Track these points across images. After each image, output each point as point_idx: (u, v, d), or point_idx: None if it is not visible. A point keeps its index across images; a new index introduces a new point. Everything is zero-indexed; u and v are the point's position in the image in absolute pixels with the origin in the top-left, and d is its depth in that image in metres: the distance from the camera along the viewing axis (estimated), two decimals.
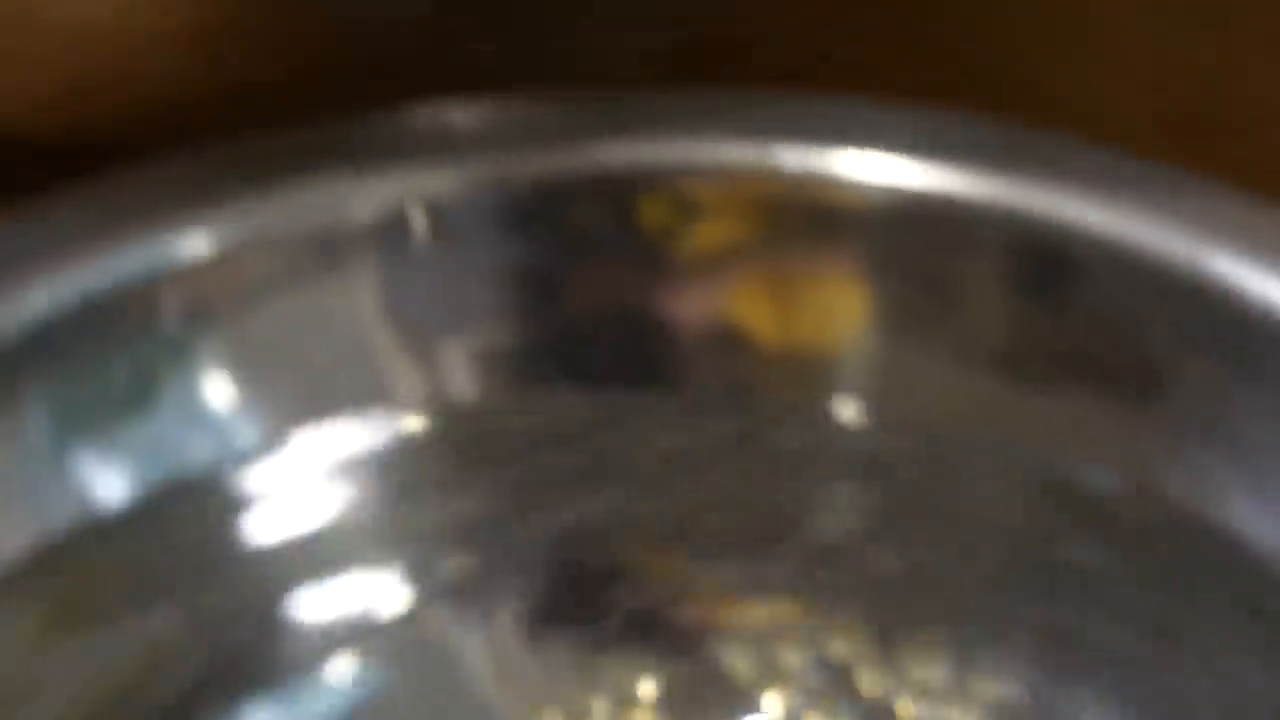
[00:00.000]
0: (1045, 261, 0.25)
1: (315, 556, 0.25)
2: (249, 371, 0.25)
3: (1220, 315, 0.24)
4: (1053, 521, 0.25)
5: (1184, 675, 0.23)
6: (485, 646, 0.25)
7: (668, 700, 0.25)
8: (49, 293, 0.23)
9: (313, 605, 0.25)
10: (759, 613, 0.25)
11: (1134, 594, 0.24)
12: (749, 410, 0.26)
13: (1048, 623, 0.24)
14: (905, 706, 0.24)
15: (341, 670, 0.25)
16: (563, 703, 0.25)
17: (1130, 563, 0.24)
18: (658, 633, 0.25)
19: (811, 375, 0.26)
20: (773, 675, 0.25)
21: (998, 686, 0.24)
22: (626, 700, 0.25)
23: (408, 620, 0.25)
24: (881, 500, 0.25)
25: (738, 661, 0.25)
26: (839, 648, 0.24)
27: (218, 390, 0.25)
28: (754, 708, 0.24)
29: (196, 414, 0.25)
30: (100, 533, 0.24)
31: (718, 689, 0.25)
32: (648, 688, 0.25)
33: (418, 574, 0.25)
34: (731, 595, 0.25)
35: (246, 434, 0.25)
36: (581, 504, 0.26)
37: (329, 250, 0.25)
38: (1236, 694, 0.23)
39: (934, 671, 0.24)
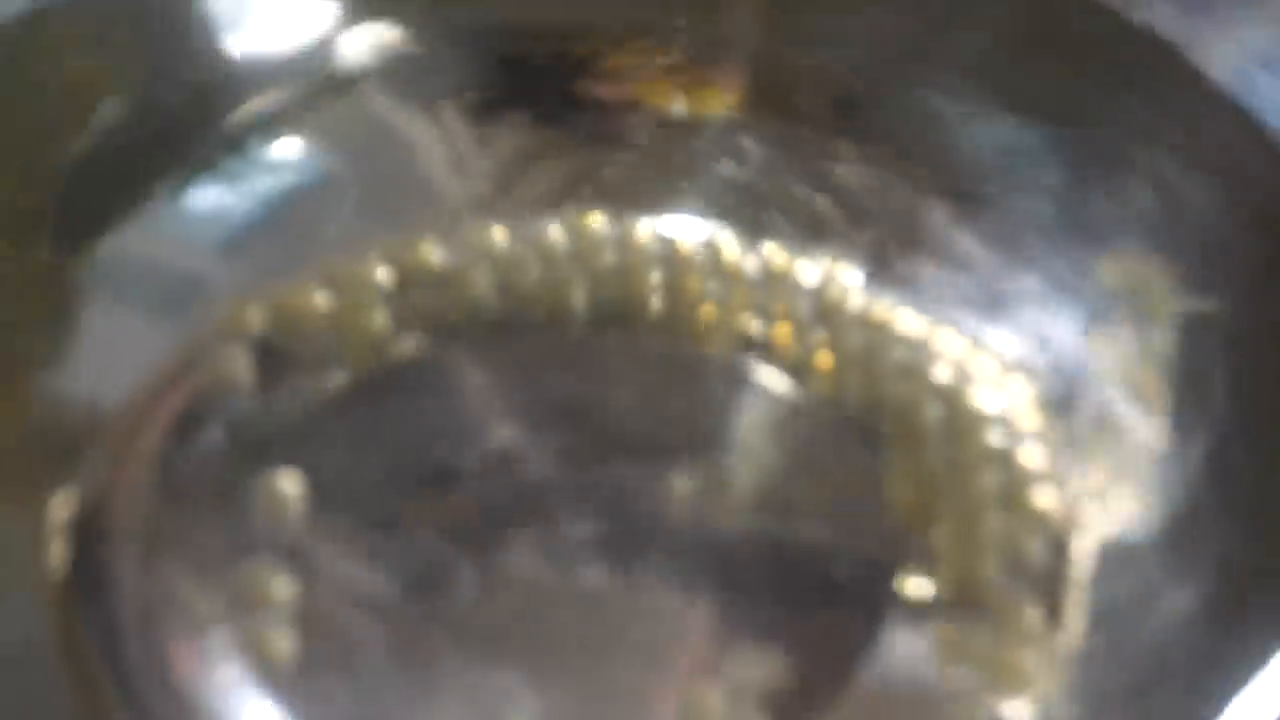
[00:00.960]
0: None
1: (264, 31, 0.28)
2: None
3: None
4: None
5: (1078, 153, 0.28)
6: (433, 133, 0.28)
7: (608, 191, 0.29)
8: None
9: (255, 81, 0.28)
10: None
11: (1031, 73, 0.28)
12: None
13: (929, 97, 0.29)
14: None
15: (287, 151, 0.28)
16: (514, 186, 0.28)
17: (1032, 45, 0.28)
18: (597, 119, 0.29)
19: None
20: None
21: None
22: (575, 180, 0.28)
23: (351, 99, 0.28)
24: None
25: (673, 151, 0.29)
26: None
27: None
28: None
29: None
30: (52, 22, 0.27)
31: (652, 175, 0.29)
32: (595, 177, 0.28)
33: (362, 55, 0.28)
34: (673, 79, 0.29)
35: None
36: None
37: None
38: (1134, 177, 0.27)
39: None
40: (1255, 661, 0.25)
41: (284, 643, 0.26)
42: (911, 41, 0.30)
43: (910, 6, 0.30)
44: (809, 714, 0.25)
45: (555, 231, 0.29)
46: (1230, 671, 0.25)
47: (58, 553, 0.26)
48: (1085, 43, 0.29)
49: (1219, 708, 0.25)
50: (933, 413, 0.28)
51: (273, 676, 0.25)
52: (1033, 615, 0.26)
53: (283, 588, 0.26)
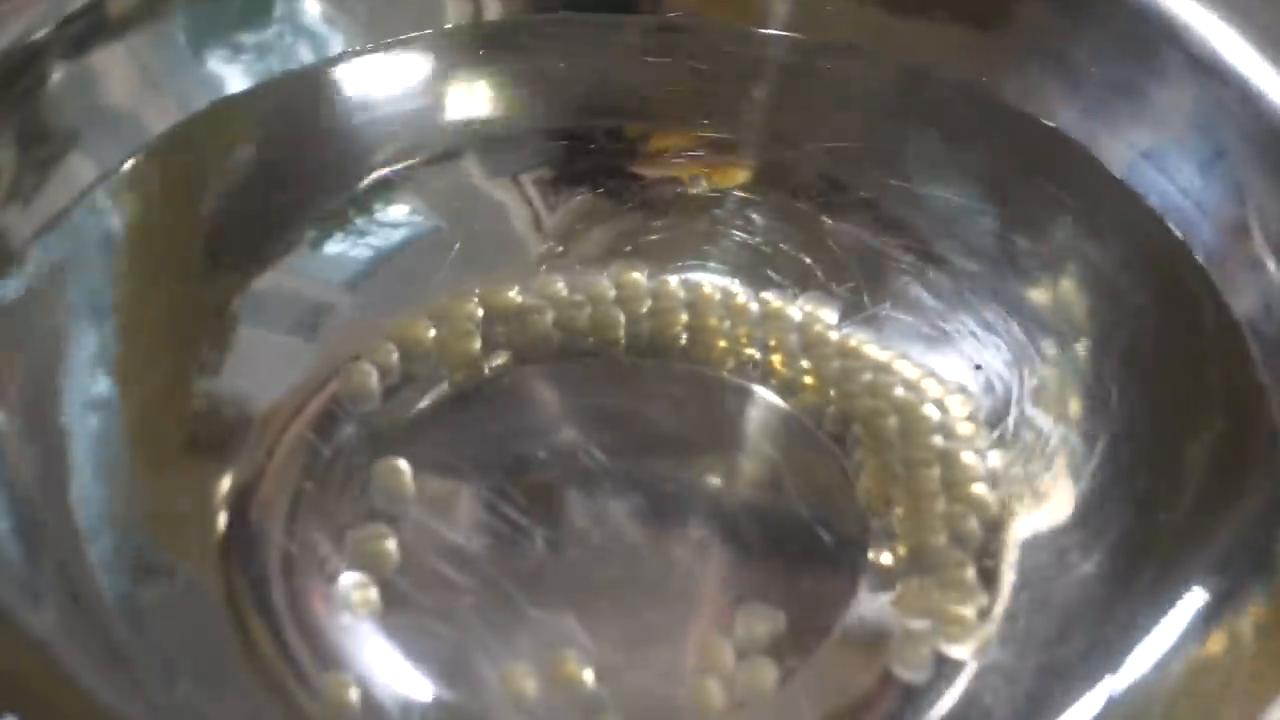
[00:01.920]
0: None
1: (386, 129, 0.34)
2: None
3: None
4: (909, 103, 0.35)
5: (1005, 222, 0.34)
6: (515, 200, 0.35)
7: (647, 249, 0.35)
8: None
9: (379, 163, 0.34)
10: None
11: (968, 161, 0.34)
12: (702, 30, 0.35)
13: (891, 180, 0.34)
14: None
15: (402, 213, 0.34)
16: (577, 243, 0.35)
17: (968, 140, 0.34)
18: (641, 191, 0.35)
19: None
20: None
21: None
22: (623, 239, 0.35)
23: (453, 170, 0.35)
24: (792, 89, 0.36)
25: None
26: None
27: (313, 8, 0.34)
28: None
29: (297, 26, 0.34)
30: (231, 109, 0.33)
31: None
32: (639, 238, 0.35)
33: (462, 135, 0.35)
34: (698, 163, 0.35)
35: (334, 42, 0.34)
36: (586, 96, 0.35)
37: None
38: (1048, 241, 0.33)
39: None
40: (1145, 617, 0.29)
41: (395, 590, 0.31)
42: (878, 138, 0.35)
43: (876, 112, 0.35)
44: (801, 654, 0.30)
45: (605, 280, 0.35)
46: (1124, 624, 0.29)
47: (220, 520, 0.31)
48: (1011, 138, 0.34)
49: (1116, 651, 0.29)
50: (892, 422, 0.33)
51: (385, 617, 0.30)
52: (972, 578, 0.31)
53: (394, 547, 0.31)
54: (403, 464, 0.33)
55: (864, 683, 0.30)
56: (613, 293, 0.35)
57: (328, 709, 0.29)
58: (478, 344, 0.34)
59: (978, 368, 0.34)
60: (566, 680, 0.30)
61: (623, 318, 0.35)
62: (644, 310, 0.35)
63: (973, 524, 0.32)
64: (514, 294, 0.35)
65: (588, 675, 0.30)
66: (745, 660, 0.30)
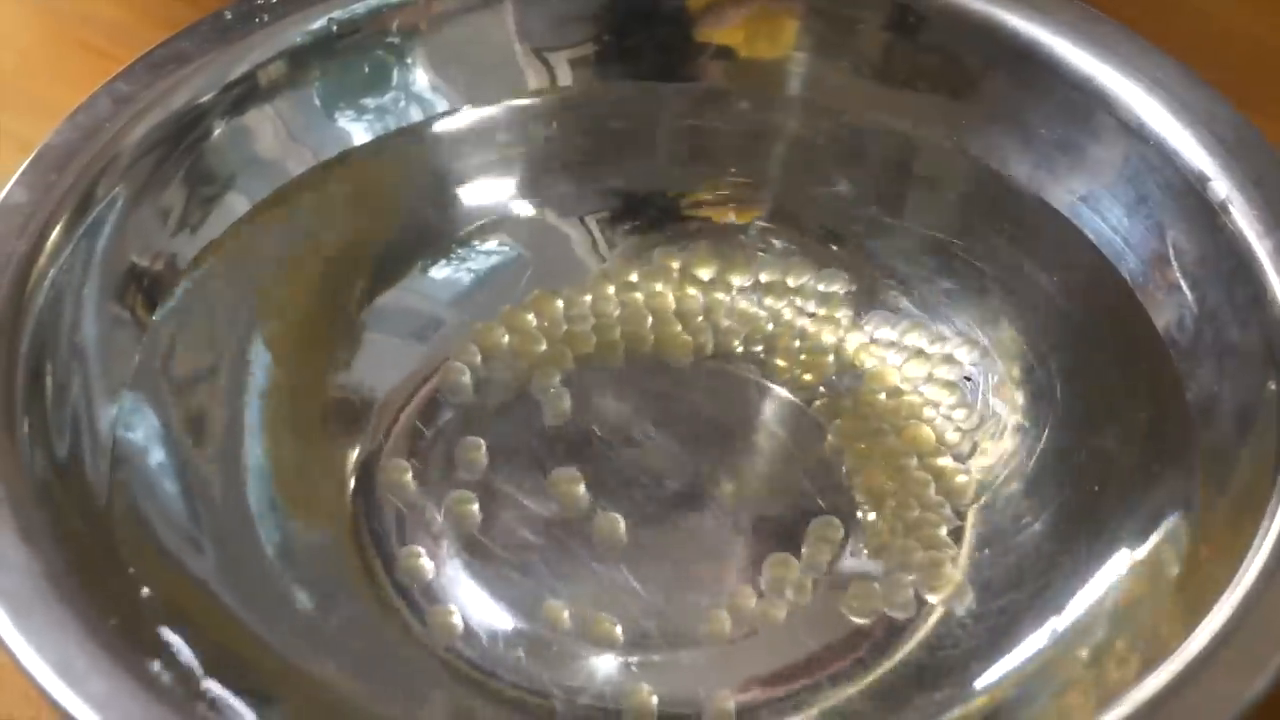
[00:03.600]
0: (910, 13, 0.38)
1: (480, 174, 0.40)
2: (439, 68, 0.39)
3: (1012, 49, 0.37)
4: (895, 155, 0.39)
5: (971, 252, 0.38)
6: (580, 235, 0.40)
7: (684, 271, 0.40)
8: (326, 17, 0.37)
9: (474, 204, 0.40)
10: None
11: (941, 203, 0.39)
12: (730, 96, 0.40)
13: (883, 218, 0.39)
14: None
15: (492, 244, 0.40)
16: (639, 264, 0.40)
17: (942, 186, 0.39)
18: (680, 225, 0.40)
19: (767, 75, 0.39)
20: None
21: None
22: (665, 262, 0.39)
23: (536, 218, 0.40)
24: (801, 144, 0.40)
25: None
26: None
27: (422, 78, 0.39)
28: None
29: (410, 91, 0.39)
30: (356, 158, 0.38)
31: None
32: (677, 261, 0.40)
33: (539, 190, 0.40)
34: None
35: (438, 104, 0.39)
36: (639, 158, 0.40)
37: None
38: (1005, 267, 0.38)
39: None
40: (1083, 568, 0.33)
41: (480, 545, 0.35)
42: (870, 183, 0.39)
43: (868, 163, 0.39)
44: (804, 595, 0.34)
45: (650, 297, 0.39)
46: (1067, 574, 0.33)
47: (349, 484, 0.36)
48: (976, 185, 0.38)
49: (1060, 595, 0.33)
50: (880, 410, 0.37)
51: (473, 566, 0.35)
52: (944, 536, 0.35)
53: (478, 510, 0.35)
54: (483, 443, 0.36)
55: (855, 620, 0.34)
56: (654, 306, 0.39)
57: (434, 632, 0.33)
58: (544, 346, 0.38)
59: (967, 379, 0.37)
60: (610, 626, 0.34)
61: (650, 320, 0.39)
62: (671, 315, 0.39)
63: (945, 491, 0.36)
64: (578, 306, 0.39)
65: (630, 622, 0.34)
66: (762, 600, 0.34)
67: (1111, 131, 0.36)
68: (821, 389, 0.38)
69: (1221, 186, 0.34)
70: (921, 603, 0.34)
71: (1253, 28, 0.46)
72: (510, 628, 0.34)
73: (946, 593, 0.34)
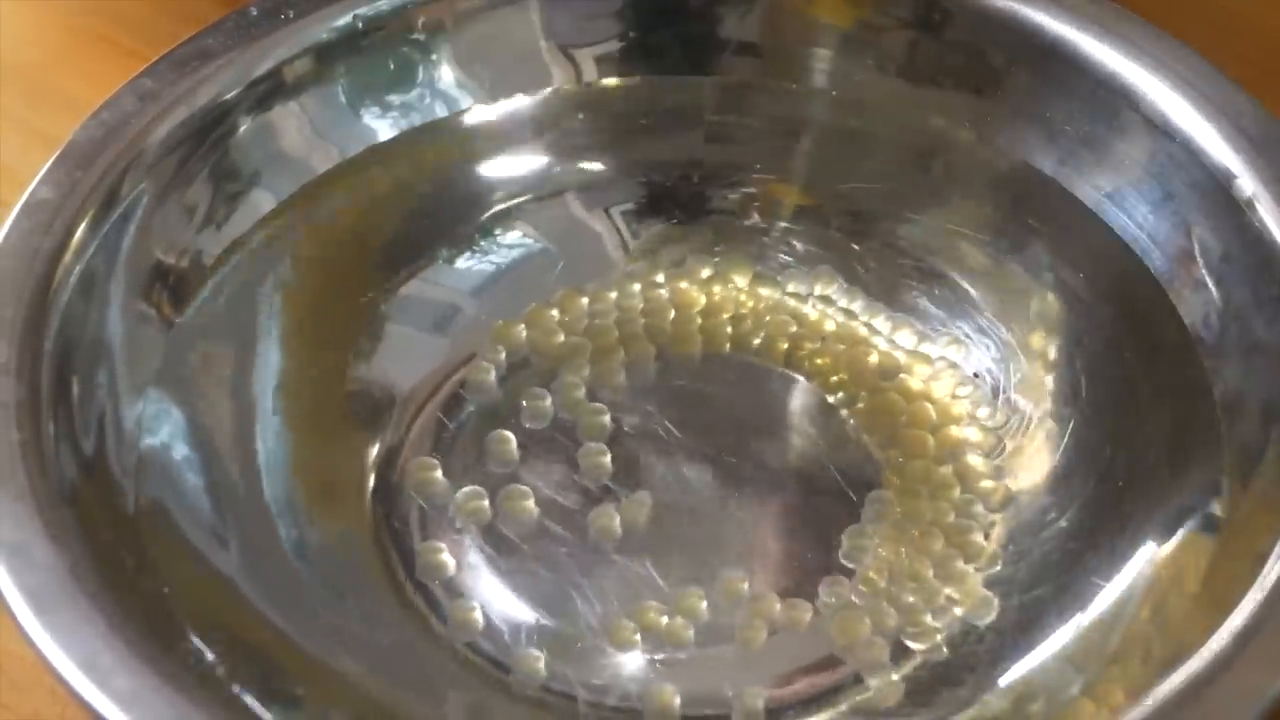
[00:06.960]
0: (936, 9, 0.38)
1: (504, 170, 0.40)
2: (464, 65, 0.39)
3: (1038, 46, 0.37)
4: (919, 152, 0.39)
5: (996, 247, 0.38)
6: (606, 228, 0.40)
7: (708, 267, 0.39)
8: (351, 13, 0.37)
9: (499, 199, 0.39)
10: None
11: (967, 199, 0.39)
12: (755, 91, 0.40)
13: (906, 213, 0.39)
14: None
15: (516, 238, 0.40)
16: (662, 258, 0.40)
17: (968, 182, 0.39)
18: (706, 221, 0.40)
19: (791, 70, 0.39)
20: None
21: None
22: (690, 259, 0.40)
23: (557, 204, 0.40)
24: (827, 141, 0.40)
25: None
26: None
27: (447, 74, 0.39)
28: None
29: (435, 88, 0.39)
30: (381, 153, 0.38)
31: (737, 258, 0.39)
32: (703, 258, 0.39)
33: (563, 185, 0.40)
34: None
35: (463, 100, 0.39)
36: (663, 144, 0.40)
37: None
38: (1031, 262, 0.38)
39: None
40: (1107, 565, 0.33)
41: (503, 538, 0.35)
42: (895, 180, 0.39)
43: (894, 159, 0.39)
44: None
45: (673, 291, 0.39)
46: (1091, 570, 0.33)
47: (370, 479, 0.35)
48: (1001, 181, 0.38)
49: (1085, 592, 0.33)
50: (906, 408, 0.37)
51: (496, 557, 0.34)
52: (978, 538, 0.35)
53: (503, 501, 0.35)
54: (512, 436, 0.36)
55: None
56: (678, 300, 0.39)
57: (455, 628, 0.33)
58: (568, 340, 0.38)
59: (976, 376, 0.37)
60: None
61: (672, 315, 0.39)
62: (697, 312, 0.39)
63: (970, 491, 0.36)
64: (603, 300, 0.39)
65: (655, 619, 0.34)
66: (786, 601, 0.34)
67: (1137, 128, 0.35)
68: (849, 385, 0.38)
69: (1247, 183, 0.33)
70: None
71: (1278, 23, 0.45)
72: (532, 621, 0.34)
73: (968, 606, 0.34)
